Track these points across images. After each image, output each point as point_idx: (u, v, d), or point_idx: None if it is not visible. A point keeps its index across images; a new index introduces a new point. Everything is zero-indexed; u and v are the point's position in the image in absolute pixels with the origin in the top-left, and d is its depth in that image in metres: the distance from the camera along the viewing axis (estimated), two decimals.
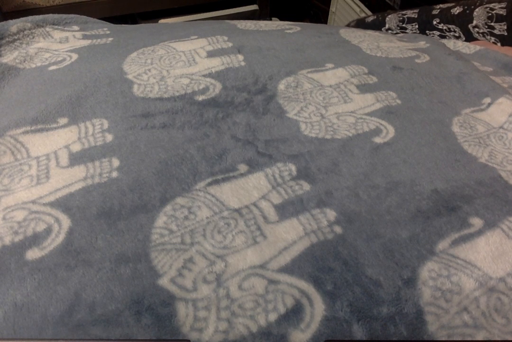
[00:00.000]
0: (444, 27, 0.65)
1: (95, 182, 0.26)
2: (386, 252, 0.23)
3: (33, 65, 0.38)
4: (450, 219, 0.25)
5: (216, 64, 0.36)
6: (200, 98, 0.33)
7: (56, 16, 0.44)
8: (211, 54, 0.38)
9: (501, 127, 0.33)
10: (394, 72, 0.38)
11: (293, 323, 0.21)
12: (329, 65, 0.38)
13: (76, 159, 0.28)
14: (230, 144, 0.29)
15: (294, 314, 0.21)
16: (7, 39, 0.40)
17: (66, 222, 0.24)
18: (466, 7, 0.63)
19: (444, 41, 0.50)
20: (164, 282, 0.22)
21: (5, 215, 0.24)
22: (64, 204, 0.25)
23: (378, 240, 0.24)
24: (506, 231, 0.25)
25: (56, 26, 0.43)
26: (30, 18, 0.43)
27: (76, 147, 0.28)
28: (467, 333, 0.21)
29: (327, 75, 0.37)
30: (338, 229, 0.24)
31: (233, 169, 0.28)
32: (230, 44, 0.40)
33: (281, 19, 1.43)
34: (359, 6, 1.19)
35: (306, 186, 0.27)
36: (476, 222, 0.25)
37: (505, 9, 0.59)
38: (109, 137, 0.29)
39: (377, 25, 0.74)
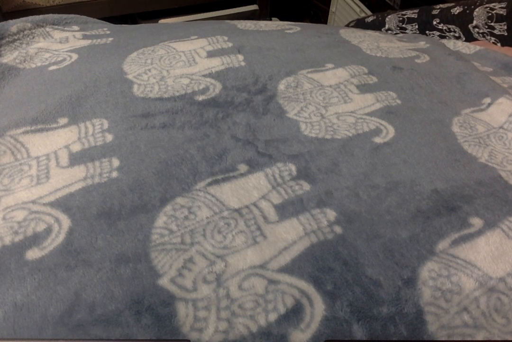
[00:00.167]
0: (444, 27, 0.65)
1: (95, 182, 0.26)
2: (386, 252, 0.23)
3: (33, 65, 0.38)
4: (450, 219, 0.25)
5: (216, 64, 0.36)
6: (200, 98, 0.33)
7: (56, 16, 0.44)
8: (211, 54, 0.38)
9: (501, 127, 0.33)
10: (394, 72, 0.38)
11: (293, 323, 0.21)
12: (329, 65, 0.38)
13: (76, 159, 0.28)
14: (230, 144, 0.29)
15: (294, 314, 0.21)
16: (7, 39, 0.40)
17: (66, 222, 0.24)
18: (466, 7, 0.63)
19: (444, 41, 0.50)
20: (164, 282, 0.22)
21: (5, 215, 0.24)
22: (64, 204, 0.25)
23: (378, 240, 0.24)
24: (506, 231, 0.25)
25: (56, 26, 0.43)
26: (30, 18, 0.43)
27: (76, 147, 0.28)
28: (467, 333, 0.21)
29: (327, 75, 0.37)
30: (338, 229, 0.24)
31: (233, 170, 0.28)
32: (230, 44, 0.40)
33: (281, 19, 1.43)
34: (359, 6, 1.19)
35: (306, 186, 0.27)
36: (476, 222, 0.25)
37: (505, 9, 0.59)
38: (109, 137, 0.29)
39: (377, 25, 0.74)
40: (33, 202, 0.25)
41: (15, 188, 0.26)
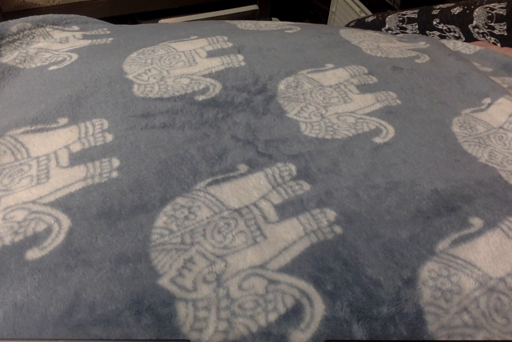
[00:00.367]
0: (444, 27, 0.65)
1: (95, 182, 0.26)
2: (386, 252, 0.23)
3: (33, 65, 0.38)
4: (450, 219, 0.25)
5: (216, 64, 0.36)
6: (200, 98, 0.33)
7: (56, 16, 0.44)
8: (211, 54, 0.38)
9: (501, 127, 0.33)
10: (394, 73, 0.38)
11: (293, 323, 0.21)
12: (329, 65, 0.38)
13: (76, 159, 0.28)
14: (230, 144, 0.29)
15: (294, 314, 0.21)
16: (7, 39, 0.40)
17: (66, 222, 0.24)
18: (466, 7, 0.63)
19: (444, 41, 0.50)
20: (164, 282, 0.22)
21: (5, 215, 0.24)
22: (64, 204, 0.25)
23: (378, 240, 0.24)
24: (506, 231, 0.25)
25: (56, 26, 0.43)
26: (30, 18, 0.43)
27: (76, 147, 0.28)
28: (467, 333, 0.21)
29: (327, 75, 0.37)
30: (338, 229, 0.24)
31: (233, 170, 0.28)
32: (230, 44, 0.40)
33: (281, 19, 1.43)
34: (359, 6, 1.19)
35: (306, 186, 0.27)
36: (476, 222, 0.25)
37: (505, 9, 0.59)
38: (109, 137, 0.29)
39: (377, 25, 0.74)
40: (33, 202, 0.25)
41: (15, 188, 0.26)
